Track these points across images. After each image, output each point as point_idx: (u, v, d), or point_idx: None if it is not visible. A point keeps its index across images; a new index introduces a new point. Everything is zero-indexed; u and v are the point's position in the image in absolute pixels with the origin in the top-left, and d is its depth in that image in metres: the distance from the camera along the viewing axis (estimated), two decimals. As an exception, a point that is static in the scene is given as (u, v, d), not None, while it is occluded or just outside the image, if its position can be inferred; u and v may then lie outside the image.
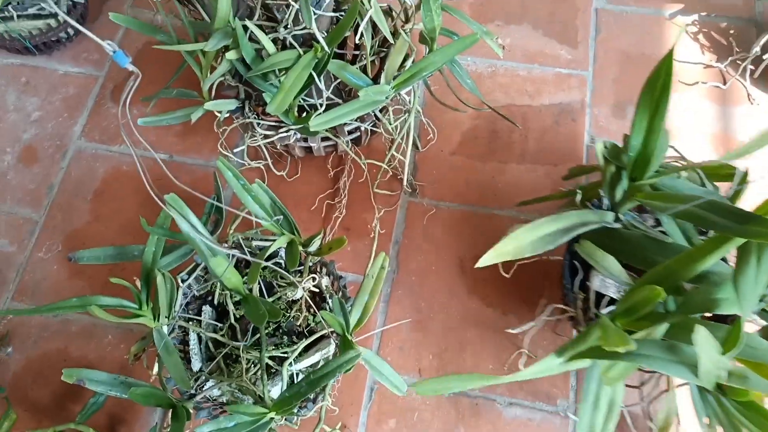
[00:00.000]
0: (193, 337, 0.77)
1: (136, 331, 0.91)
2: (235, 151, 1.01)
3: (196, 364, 0.75)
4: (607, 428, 0.59)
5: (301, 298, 0.77)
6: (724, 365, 0.53)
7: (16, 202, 1.00)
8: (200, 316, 0.79)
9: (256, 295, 0.70)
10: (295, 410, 0.67)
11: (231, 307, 0.75)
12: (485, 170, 1.00)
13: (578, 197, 0.74)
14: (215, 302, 0.79)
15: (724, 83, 1.04)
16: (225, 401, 0.74)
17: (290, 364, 0.70)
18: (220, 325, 0.77)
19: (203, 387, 0.74)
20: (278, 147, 0.95)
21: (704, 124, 1.01)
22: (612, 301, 0.72)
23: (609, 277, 0.69)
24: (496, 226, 0.96)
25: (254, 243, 0.79)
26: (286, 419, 0.74)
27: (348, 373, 0.64)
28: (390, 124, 0.88)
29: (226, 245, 0.75)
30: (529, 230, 0.63)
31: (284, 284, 0.78)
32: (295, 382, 0.68)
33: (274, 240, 0.79)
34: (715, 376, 0.54)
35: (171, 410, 0.66)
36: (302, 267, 0.77)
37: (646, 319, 0.58)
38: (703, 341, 0.50)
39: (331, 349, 0.74)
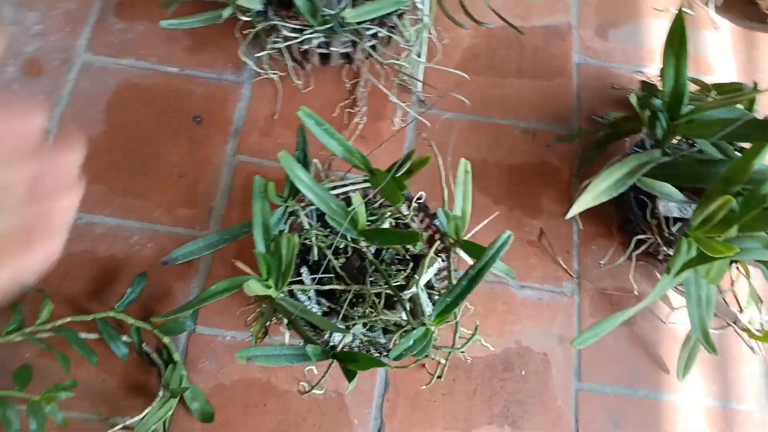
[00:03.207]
0: (303, 298, 0.75)
1: (161, 231, 0.93)
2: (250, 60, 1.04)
3: None
4: (709, 317, 0.75)
5: (397, 224, 0.80)
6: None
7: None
8: (299, 277, 0.77)
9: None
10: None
11: (333, 260, 0.74)
12: (486, 84, 1.08)
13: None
14: (309, 260, 0.78)
15: (692, 10, 1.16)
16: (359, 343, 0.74)
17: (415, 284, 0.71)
18: (328, 276, 0.76)
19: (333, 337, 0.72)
20: (294, 55, 0.98)
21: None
22: (676, 220, 0.86)
23: (670, 201, 0.83)
24: (499, 134, 1.04)
25: (326, 185, 0.77)
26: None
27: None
28: (407, 30, 0.94)
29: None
30: (601, 181, 0.77)
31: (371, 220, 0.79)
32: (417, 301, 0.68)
33: (350, 180, 0.79)
34: None
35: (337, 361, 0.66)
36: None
37: (721, 224, 0.71)
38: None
39: (439, 263, 0.76)
